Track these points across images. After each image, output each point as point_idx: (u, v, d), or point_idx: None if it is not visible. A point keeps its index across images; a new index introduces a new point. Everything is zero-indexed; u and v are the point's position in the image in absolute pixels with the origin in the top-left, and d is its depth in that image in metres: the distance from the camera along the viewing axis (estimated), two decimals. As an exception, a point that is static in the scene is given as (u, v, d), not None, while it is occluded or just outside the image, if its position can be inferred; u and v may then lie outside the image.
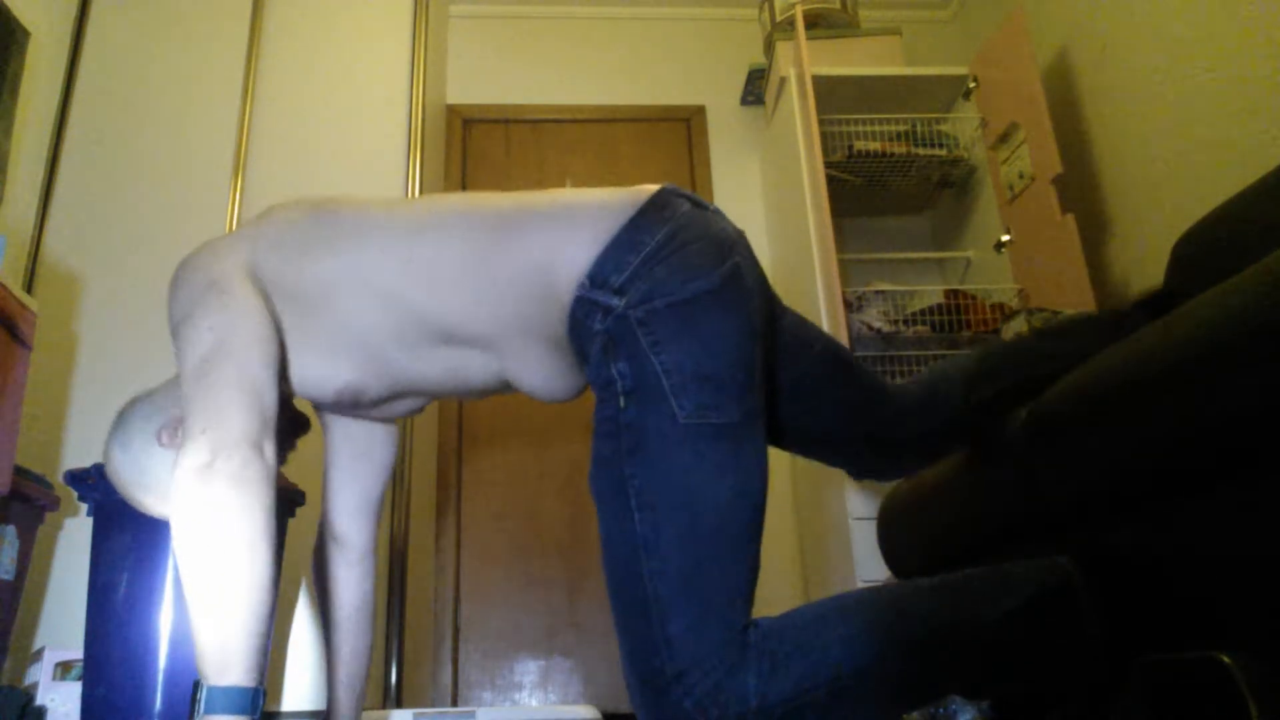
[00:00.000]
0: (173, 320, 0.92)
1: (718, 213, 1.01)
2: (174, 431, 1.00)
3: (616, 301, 0.89)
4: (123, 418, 1.02)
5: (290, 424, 1.07)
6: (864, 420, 1.14)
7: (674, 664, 0.81)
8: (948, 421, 1.18)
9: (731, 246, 0.96)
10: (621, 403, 0.88)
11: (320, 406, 1.13)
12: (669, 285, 0.89)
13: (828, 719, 0.82)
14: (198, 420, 0.84)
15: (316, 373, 0.97)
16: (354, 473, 1.19)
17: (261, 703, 0.78)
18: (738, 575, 0.84)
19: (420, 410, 1.11)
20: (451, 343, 0.96)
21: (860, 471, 1.23)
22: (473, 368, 0.99)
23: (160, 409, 1.02)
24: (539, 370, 0.98)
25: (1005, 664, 0.91)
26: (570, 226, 0.93)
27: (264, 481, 0.82)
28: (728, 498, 0.85)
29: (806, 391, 1.10)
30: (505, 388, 1.04)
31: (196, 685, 0.77)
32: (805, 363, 1.09)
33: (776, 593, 2.78)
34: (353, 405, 1.03)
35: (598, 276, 0.90)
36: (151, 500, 1.02)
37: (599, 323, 0.90)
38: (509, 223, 0.94)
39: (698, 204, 0.99)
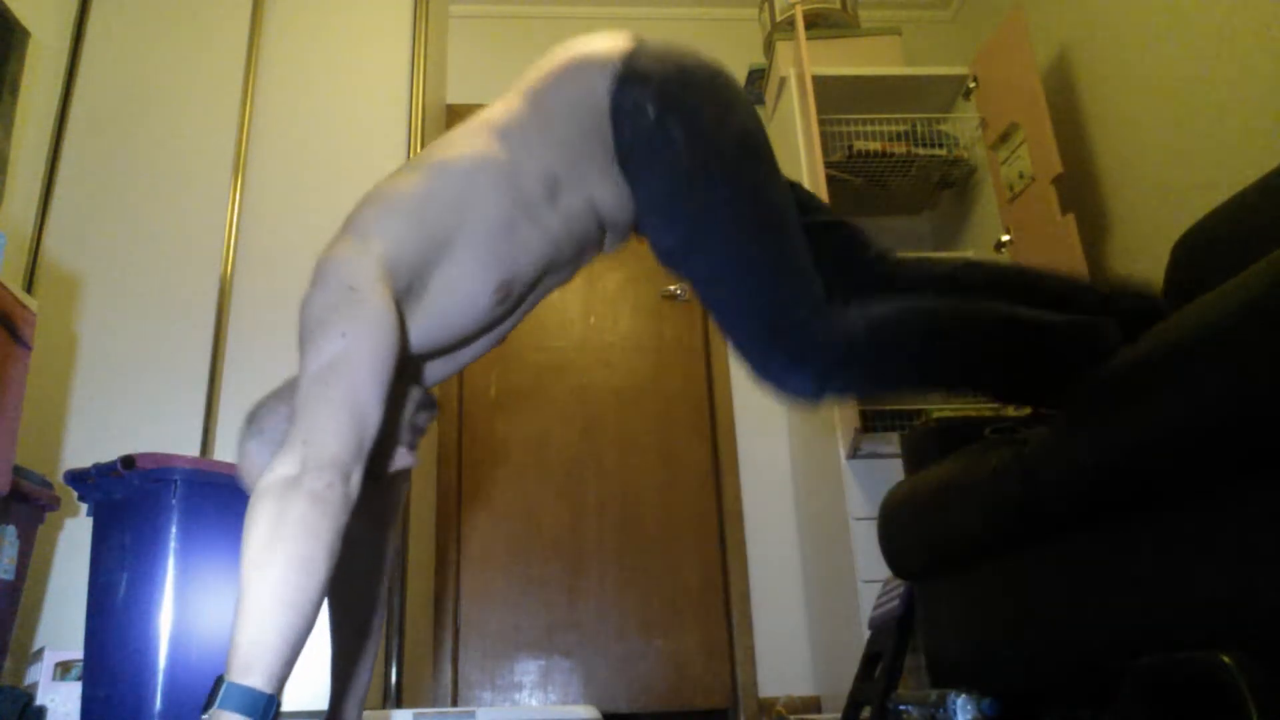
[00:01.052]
0: (307, 320, 0.95)
1: None
2: None
3: (653, 76, 1.09)
4: (253, 415, 1.07)
5: (425, 403, 1.16)
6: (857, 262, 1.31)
7: (789, 318, 1.06)
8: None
9: None
10: (683, 160, 1.09)
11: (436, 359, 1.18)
12: (691, 66, 1.12)
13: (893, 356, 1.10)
14: (301, 429, 0.87)
15: (469, 289, 1.05)
16: (372, 489, 1.22)
17: (274, 712, 0.78)
18: (803, 254, 1.12)
19: (554, 288, 1.23)
20: (558, 192, 1.11)
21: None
22: (579, 214, 1.13)
23: (283, 398, 1.06)
24: (612, 189, 1.14)
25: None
26: (589, 59, 1.13)
27: (341, 507, 0.85)
28: (781, 205, 1.12)
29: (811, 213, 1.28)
30: (601, 233, 1.19)
31: (219, 680, 0.78)
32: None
33: (776, 592, 2.79)
34: (499, 305, 1.09)
35: (627, 72, 1.10)
36: None
37: (638, 98, 1.09)
38: (546, 84, 1.14)
39: None
